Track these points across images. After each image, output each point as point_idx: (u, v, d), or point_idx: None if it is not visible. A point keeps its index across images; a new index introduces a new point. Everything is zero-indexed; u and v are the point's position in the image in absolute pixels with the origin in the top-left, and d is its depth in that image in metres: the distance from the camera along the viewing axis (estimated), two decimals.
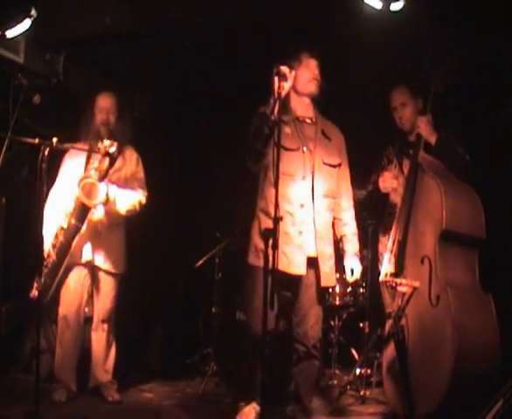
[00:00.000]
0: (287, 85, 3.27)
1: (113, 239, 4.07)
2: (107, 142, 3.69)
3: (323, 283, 3.60)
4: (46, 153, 3.28)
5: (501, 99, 4.35)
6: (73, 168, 4.03)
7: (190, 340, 5.10)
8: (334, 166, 3.67)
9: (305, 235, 3.55)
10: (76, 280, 4.02)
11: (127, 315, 4.27)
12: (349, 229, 3.79)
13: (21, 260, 4.32)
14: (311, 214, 3.57)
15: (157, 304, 5.17)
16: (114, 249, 4.08)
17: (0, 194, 4.38)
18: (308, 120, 3.66)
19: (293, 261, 3.51)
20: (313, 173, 3.57)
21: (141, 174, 4.19)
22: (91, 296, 4.12)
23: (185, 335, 5.14)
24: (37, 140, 3.29)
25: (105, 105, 4.07)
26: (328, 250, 3.66)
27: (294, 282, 3.58)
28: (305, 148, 3.59)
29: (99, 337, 4.10)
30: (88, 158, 3.99)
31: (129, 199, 4.02)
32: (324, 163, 3.61)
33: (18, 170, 4.64)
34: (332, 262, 3.69)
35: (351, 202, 3.82)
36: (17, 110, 3.40)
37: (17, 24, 3.83)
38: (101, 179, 3.83)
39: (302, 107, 3.66)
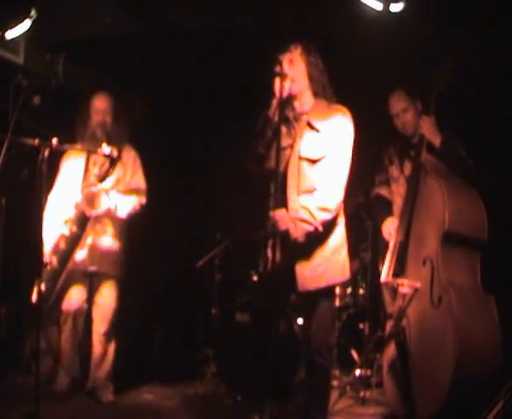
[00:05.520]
0: (288, 86, 3.18)
1: (113, 243, 4.07)
2: (106, 149, 3.61)
3: (300, 287, 3.20)
4: (46, 154, 3.24)
5: (501, 100, 4.35)
6: (72, 172, 4.03)
7: (189, 341, 5.09)
8: (313, 160, 3.22)
9: None
10: (76, 286, 4.04)
11: (126, 316, 4.27)
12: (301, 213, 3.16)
13: (21, 261, 4.32)
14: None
15: (157, 305, 5.16)
16: (114, 253, 4.08)
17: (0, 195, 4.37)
18: (304, 117, 3.31)
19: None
20: (286, 168, 3.24)
21: (140, 173, 4.17)
22: (91, 299, 4.12)
23: (185, 336, 5.13)
24: (36, 142, 3.27)
25: (101, 106, 4.05)
26: (308, 250, 3.21)
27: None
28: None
29: (98, 339, 4.10)
30: (87, 163, 3.98)
31: (130, 204, 4.04)
32: (300, 158, 3.23)
33: (18, 171, 4.63)
34: (315, 264, 3.20)
35: (324, 197, 3.17)
36: (16, 111, 3.38)
37: (16, 25, 3.81)
38: (100, 182, 3.83)
39: (299, 103, 3.34)
